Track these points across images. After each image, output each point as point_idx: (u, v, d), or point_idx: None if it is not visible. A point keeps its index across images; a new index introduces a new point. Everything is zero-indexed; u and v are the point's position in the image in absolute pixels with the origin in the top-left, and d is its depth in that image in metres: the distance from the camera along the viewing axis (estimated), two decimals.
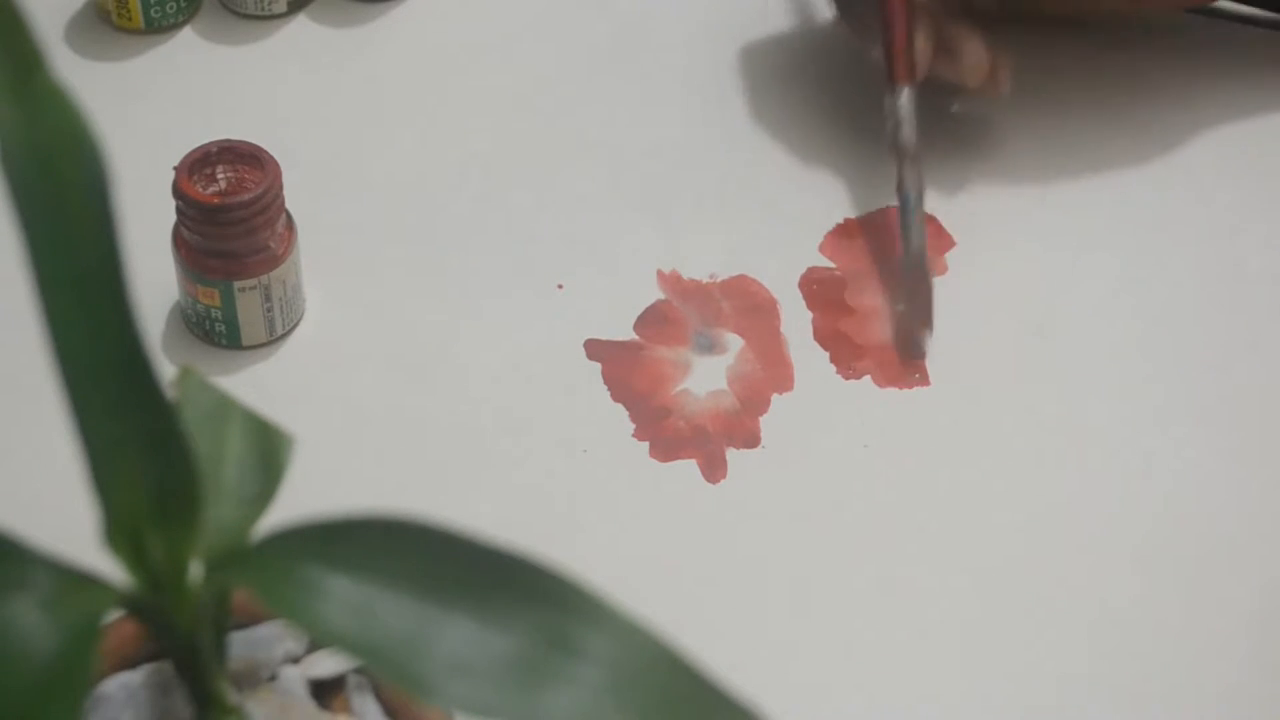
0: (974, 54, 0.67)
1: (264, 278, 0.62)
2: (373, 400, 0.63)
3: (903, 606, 0.58)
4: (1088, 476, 0.61)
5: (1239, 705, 0.56)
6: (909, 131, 0.66)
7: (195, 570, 0.38)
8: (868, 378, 0.64)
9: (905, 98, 0.66)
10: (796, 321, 0.65)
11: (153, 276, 0.63)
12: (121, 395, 0.36)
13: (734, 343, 0.64)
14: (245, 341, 0.63)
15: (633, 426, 0.62)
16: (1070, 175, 0.70)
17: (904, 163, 0.66)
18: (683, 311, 0.65)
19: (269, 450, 0.41)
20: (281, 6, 0.74)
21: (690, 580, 0.58)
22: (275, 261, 0.62)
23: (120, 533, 0.37)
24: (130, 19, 0.73)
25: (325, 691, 0.44)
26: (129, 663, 0.43)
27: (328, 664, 0.44)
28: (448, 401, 0.63)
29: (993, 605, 0.58)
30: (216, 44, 0.74)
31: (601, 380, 0.63)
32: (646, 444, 0.62)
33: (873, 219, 0.68)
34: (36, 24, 0.35)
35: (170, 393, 0.37)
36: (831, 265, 0.67)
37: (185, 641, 0.39)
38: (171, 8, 0.73)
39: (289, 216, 0.63)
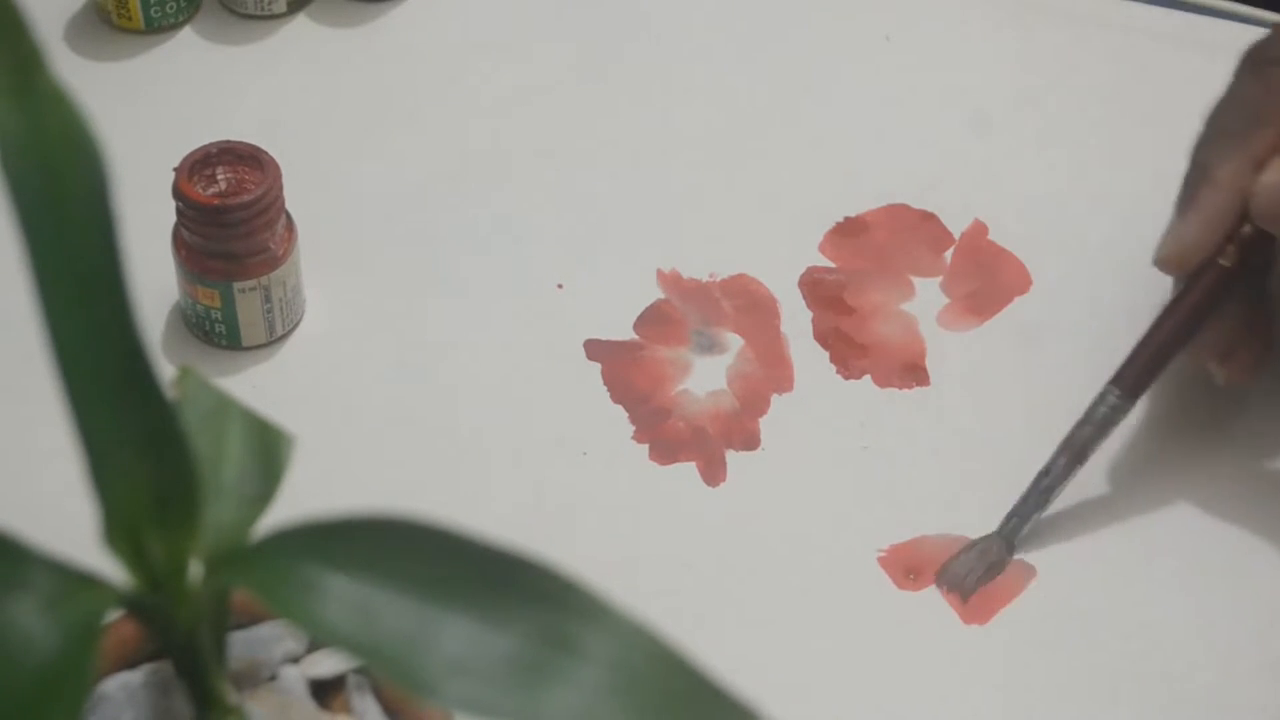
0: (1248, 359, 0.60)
1: (264, 279, 0.62)
2: (373, 401, 0.63)
3: (903, 607, 0.58)
4: (1088, 475, 0.61)
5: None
6: (1089, 436, 0.58)
7: (195, 570, 0.38)
8: (868, 377, 0.64)
9: (1111, 404, 0.59)
10: (796, 321, 0.65)
11: (152, 277, 0.63)
12: (121, 395, 0.36)
13: (734, 342, 0.64)
14: (245, 342, 0.63)
15: (632, 428, 0.62)
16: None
17: (1062, 458, 0.59)
18: (683, 311, 0.65)
19: (269, 450, 0.41)
20: (281, 6, 0.74)
21: (690, 583, 0.58)
22: (275, 263, 0.62)
23: (120, 533, 0.37)
24: (130, 19, 0.73)
25: (325, 691, 0.44)
26: (129, 663, 0.43)
27: (328, 664, 0.44)
28: (447, 402, 0.63)
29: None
30: (216, 44, 0.74)
31: (601, 380, 0.63)
32: (646, 446, 0.62)
33: (874, 217, 0.68)
34: (36, 24, 0.35)
35: (170, 393, 0.37)
36: (831, 264, 0.67)
37: (185, 641, 0.39)
38: (171, 8, 0.73)
39: (289, 217, 0.63)
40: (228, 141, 0.62)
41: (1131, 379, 0.59)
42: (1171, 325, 0.59)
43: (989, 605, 0.58)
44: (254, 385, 0.62)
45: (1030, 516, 0.59)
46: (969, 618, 0.57)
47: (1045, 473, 0.59)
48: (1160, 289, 0.66)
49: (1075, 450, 0.58)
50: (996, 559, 0.58)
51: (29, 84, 0.35)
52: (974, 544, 0.59)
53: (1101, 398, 0.59)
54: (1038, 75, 0.74)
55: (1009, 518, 0.59)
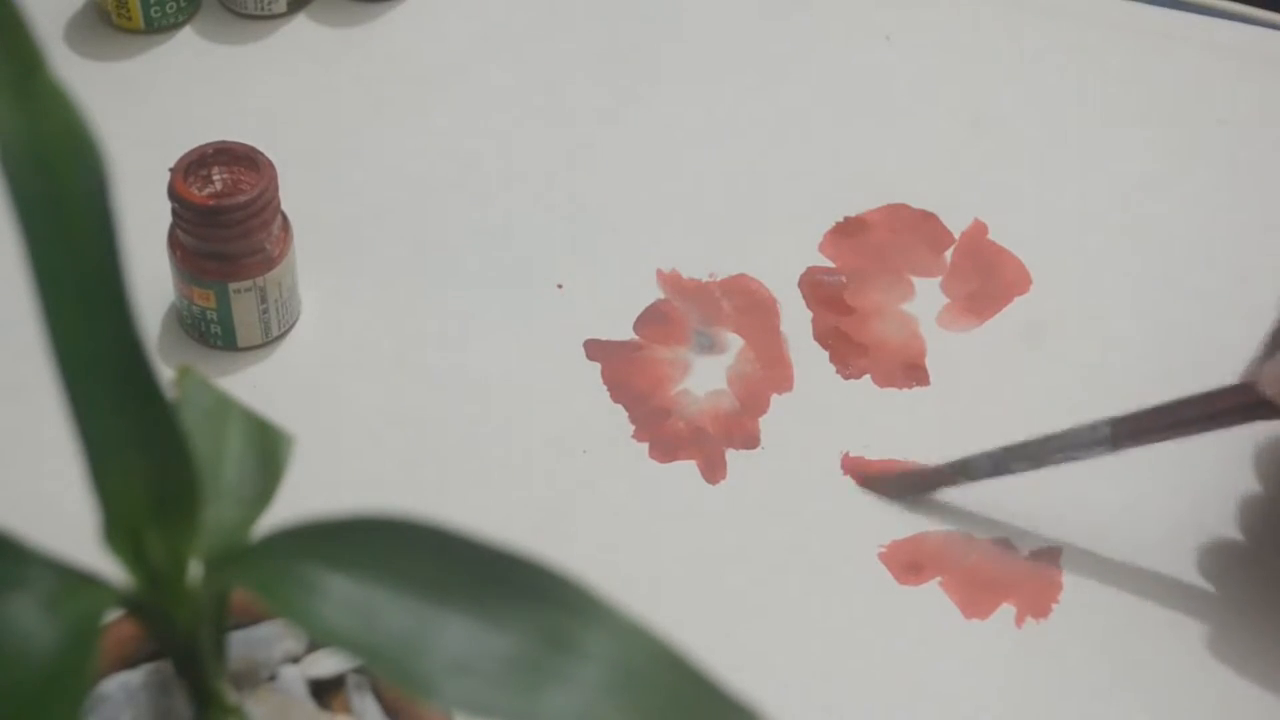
0: None
1: (259, 279, 0.62)
2: (370, 401, 0.63)
3: (903, 602, 0.58)
4: (1086, 476, 0.61)
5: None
6: (1054, 454, 0.58)
7: (195, 570, 0.38)
8: (867, 377, 0.64)
9: (1095, 439, 0.57)
10: (796, 320, 0.65)
11: (148, 277, 0.63)
12: (121, 395, 0.36)
13: (734, 342, 0.64)
14: (241, 343, 0.63)
15: (632, 427, 0.62)
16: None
17: (1018, 460, 0.58)
18: (682, 311, 0.65)
19: (268, 450, 0.41)
20: (281, 6, 0.74)
21: (690, 581, 0.58)
22: (271, 263, 0.62)
23: (120, 532, 0.37)
24: (130, 19, 0.73)
25: (325, 691, 0.44)
26: (129, 662, 0.43)
27: (327, 664, 0.44)
28: (446, 402, 0.63)
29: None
30: (216, 44, 0.74)
31: (601, 380, 0.63)
32: (646, 445, 0.62)
33: (874, 217, 0.68)
34: (36, 24, 0.35)
35: (170, 392, 0.37)
36: (831, 264, 0.67)
37: (185, 641, 0.39)
38: (171, 8, 0.74)
39: (285, 218, 0.63)
40: (223, 142, 0.62)
41: (1127, 434, 0.57)
42: (1194, 414, 0.56)
43: (990, 600, 0.58)
44: (250, 386, 0.62)
45: (960, 483, 0.59)
46: (970, 612, 0.57)
47: (996, 456, 0.58)
48: (1160, 290, 0.66)
49: (1033, 459, 0.58)
50: (916, 485, 0.60)
51: (29, 84, 0.35)
52: (912, 473, 0.60)
53: (1092, 429, 0.57)
54: (1038, 75, 0.74)
55: (951, 465, 0.59)
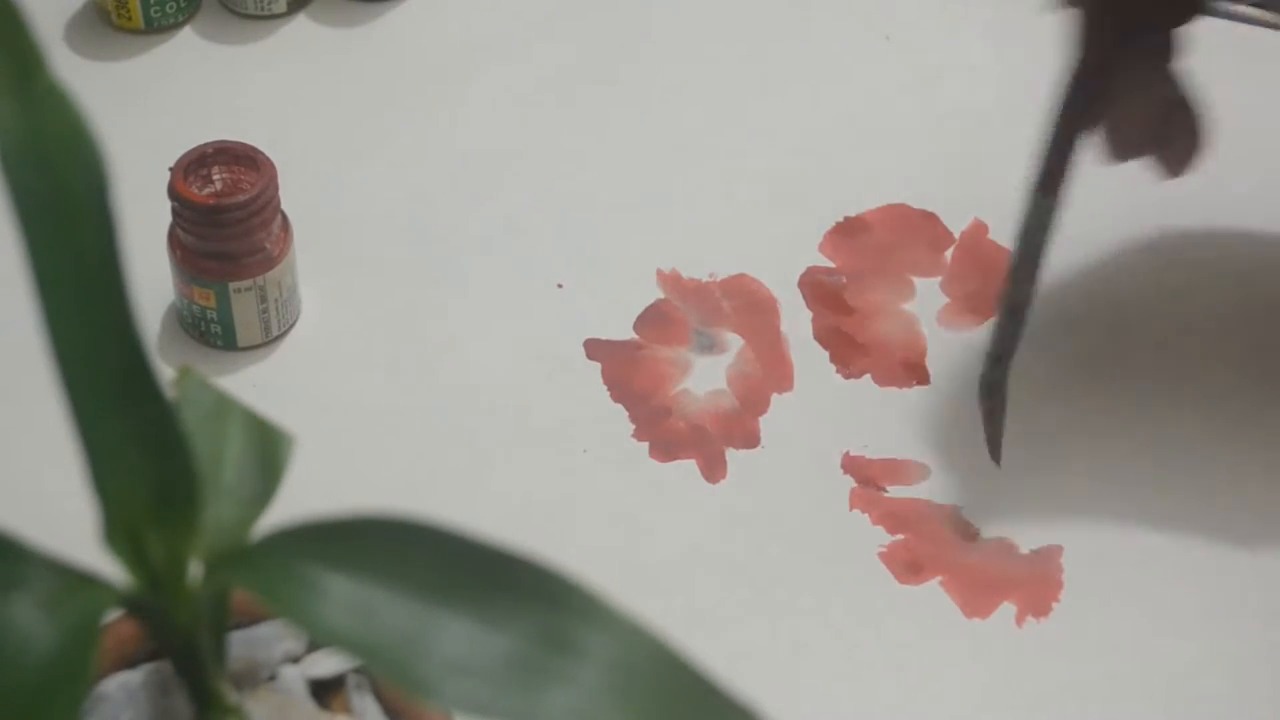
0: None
1: (259, 279, 0.62)
2: (370, 401, 0.63)
3: (904, 601, 0.58)
4: (1085, 476, 0.61)
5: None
6: (1031, 244, 0.57)
7: (195, 570, 0.38)
8: (868, 377, 0.64)
9: (1041, 204, 0.57)
10: (796, 320, 0.65)
11: (148, 277, 0.63)
12: (121, 395, 0.36)
13: (734, 342, 0.64)
14: (241, 343, 0.63)
15: (632, 427, 0.62)
16: None
17: (1017, 270, 0.57)
18: (682, 311, 0.65)
19: (269, 450, 0.41)
20: (281, 6, 0.74)
21: (689, 581, 0.58)
22: (271, 263, 0.62)
23: (120, 532, 0.37)
24: (130, 19, 0.73)
25: (325, 691, 0.44)
26: (129, 662, 0.43)
27: (327, 664, 0.44)
28: (446, 402, 0.63)
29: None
30: (216, 44, 0.74)
31: (601, 380, 0.63)
32: (646, 444, 0.62)
33: (874, 217, 0.68)
34: (36, 24, 0.36)
35: (170, 392, 0.37)
36: (831, 264, 0.67)
37: (185, 641, 0.39)
38: (171, 8, 0.74)
39: (285, 218, 0.63)
40: (223, 142, 0.62)
41: (1046, 179, 0.56)
42: (1071, 100, 0.56)
43: (990, 599, 0.58)
44: (250, 386, 0.62)
45: (1010, 349, 0.58)
46: (970, 611, 0.57)
47: (1006, 301, 0.58)
48: (1162, 290, 0.66)
49: (1028, 261, 0.57)
50: (988, 401, 0.59)
51: (29, 84, 0.35)
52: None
53: (1026, 205, 0.56)
54: (1038, 75, 0.74)
55: (987, 358, 0.58)
